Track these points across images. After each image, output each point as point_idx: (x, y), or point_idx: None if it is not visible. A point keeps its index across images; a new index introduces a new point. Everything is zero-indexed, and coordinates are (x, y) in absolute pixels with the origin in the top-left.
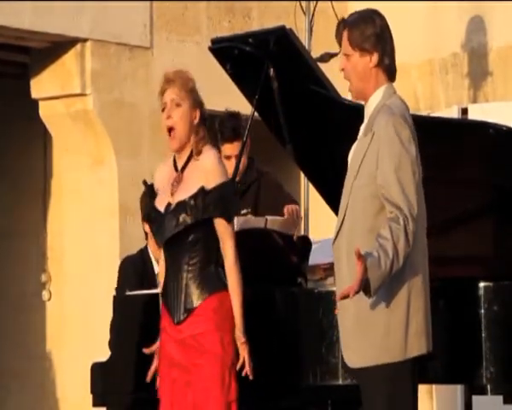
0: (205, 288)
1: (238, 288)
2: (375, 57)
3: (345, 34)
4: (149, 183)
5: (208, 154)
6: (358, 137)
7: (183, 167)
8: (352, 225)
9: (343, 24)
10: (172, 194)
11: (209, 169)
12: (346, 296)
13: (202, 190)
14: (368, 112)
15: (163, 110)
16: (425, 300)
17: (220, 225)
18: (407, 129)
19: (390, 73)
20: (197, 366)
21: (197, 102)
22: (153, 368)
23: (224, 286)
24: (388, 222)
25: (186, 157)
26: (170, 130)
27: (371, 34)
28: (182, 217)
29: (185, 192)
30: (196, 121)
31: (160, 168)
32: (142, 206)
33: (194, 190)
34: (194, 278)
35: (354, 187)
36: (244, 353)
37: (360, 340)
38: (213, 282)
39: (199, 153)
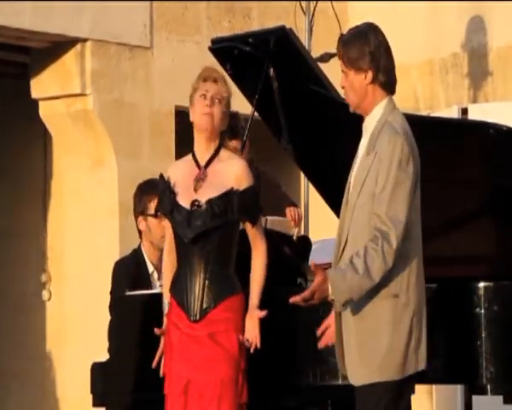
0: (225, 289)
1: (263, 272)
2: (370, 75)
3: (341, 52)
4: (166, 177)
5: (237, 160)
6: (360, 154)
7: (207, 165)
8: (355, 245)
9: (339, 41)
10: (196, 190)
11: (240, 174)
12: (296, 303)
13: (233, 192)
14: (368, 128)
15: (202, 96)
16: (423, 317)
17: (250, 227)
18: (407, 149)
19: (388, 87)
20: (213, 363)
21: (228, 111)
22: (159, 352)
23: (242, 290)
24: (367, 242)
25: (209, 155)
26: (206, 112)
27: (365, 52)
28: (211, 216)
29: (212, 191)
30: (224, 127)
31: (175, 164)
32: (136, 203)
33: (222, 189)
34: (214, 278)
35: (357, 206)
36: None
37: (363, 358)
38: (233, 284)
39: (225, 151)
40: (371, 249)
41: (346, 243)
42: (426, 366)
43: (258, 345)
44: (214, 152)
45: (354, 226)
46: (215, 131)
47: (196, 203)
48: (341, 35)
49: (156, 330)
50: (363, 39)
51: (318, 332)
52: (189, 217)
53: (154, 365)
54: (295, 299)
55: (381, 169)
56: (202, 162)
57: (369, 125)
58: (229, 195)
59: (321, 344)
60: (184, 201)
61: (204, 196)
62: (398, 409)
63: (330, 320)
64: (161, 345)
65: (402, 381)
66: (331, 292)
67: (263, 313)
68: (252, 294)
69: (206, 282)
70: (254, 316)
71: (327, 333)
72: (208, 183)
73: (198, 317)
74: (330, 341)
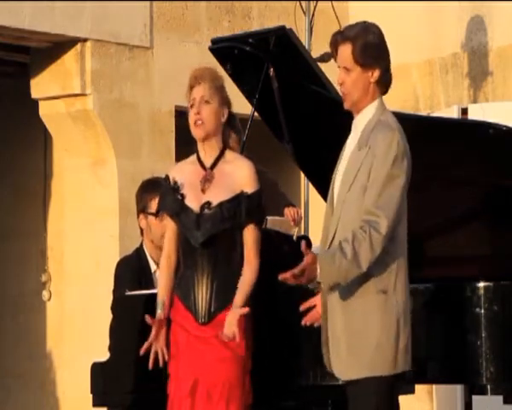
0: (233, 292)
1: (250, 286)
2: (377, 73)
3: (346, 48)
4: (171, 178)
5: (245, 162)
6: (348, 150)
7: (213, 166)
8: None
9: (342, 36)
10: (204, 191)
11: (249, 177)
12: (285, 279)
13: (243, 195)
14: (359, 125)
15: (191, 106)
16: (409, 321)
17: (251, 229)
18: (402, 145)
19: (386, 87)
20: (221, 364)
21: (225, 101)
22: (148, 343)
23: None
24: (355, 228)
25: (215, 156)
26: (196, 121)
27: (374, 49)
28: (221, 219)
29: (221, 193)
30: (224, 119)
31: (179, 166)
32: (138, 201)
33: (231, 192)
34: (222, 281)
35: (347, 200)
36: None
37: (352, 353)
38: None
39: (230, 152)
40: (359, 235)
41: (333, 238)
42: (409, 368)
43: (237, 339)
44: (220, 153)
45: (344, 221)
46: (212, 132)
47: (207, 206)
48: (340, 31)
49: (148, 319)
50: (370, 36)
51: (301, 308)
52: (198, 220)
53: (141, 352)
54: (285, 275)
55: (374, 164)
56: (207, 163)
57: (359, 123)
58: (238, 198)
59: (304, 321)
60: (193, 203)
61: (213, 198)
62: (389, 405)
63: (316, 300)
64: (151, 337)
65: (393, 378)
66: (319, 274)
67: (245, 310)
68: (236, 298)
69: (214, 285)
70: (236, 312)
71: (311, 313)
72: (216, 184)
73: (206, 319)
74: (315, 321)
